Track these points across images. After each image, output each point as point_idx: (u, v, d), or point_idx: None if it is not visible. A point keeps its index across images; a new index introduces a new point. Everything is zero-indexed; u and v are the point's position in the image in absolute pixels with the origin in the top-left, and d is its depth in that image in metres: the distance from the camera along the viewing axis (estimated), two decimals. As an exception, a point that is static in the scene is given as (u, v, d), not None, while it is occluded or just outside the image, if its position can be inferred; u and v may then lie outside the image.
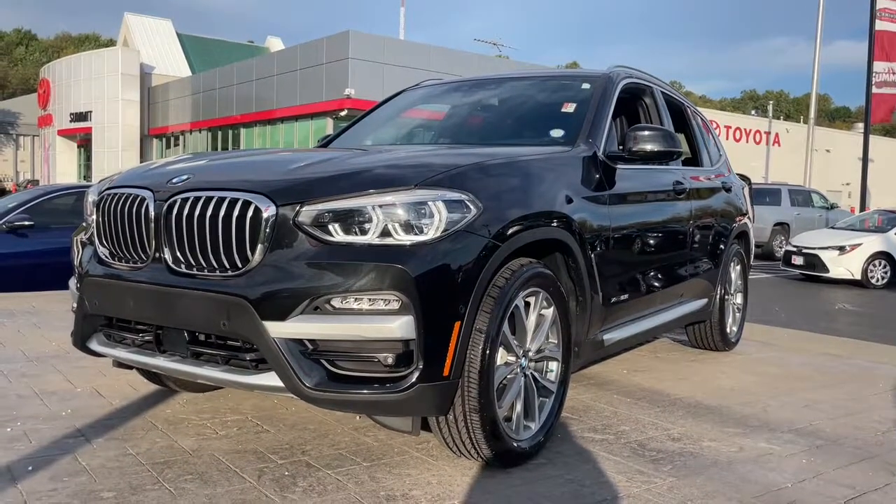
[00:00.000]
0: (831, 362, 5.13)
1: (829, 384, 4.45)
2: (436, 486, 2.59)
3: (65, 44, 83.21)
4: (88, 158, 41.06)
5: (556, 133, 3.74)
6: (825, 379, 4.60)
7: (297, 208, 2.47)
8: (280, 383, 2.43)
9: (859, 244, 12.91)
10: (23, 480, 2.52)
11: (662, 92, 4.60)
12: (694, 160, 5.04)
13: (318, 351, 2.42)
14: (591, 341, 3.34)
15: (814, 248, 13.23)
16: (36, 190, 8.68)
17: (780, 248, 17.17)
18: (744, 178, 5.87)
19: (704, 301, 4.80)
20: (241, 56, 41.06)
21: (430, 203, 2.49)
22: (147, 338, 2.76)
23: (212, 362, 2.61)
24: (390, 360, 2.41)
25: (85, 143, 41.84)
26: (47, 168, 44.78)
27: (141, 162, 39.29)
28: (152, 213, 2.66)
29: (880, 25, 19.41)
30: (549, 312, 2.95)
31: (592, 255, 3.22)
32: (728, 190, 5.15)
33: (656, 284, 4.00)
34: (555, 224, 2.99)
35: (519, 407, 2.83)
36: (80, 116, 40.13)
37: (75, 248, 3.36)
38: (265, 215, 2.45)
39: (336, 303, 2.40)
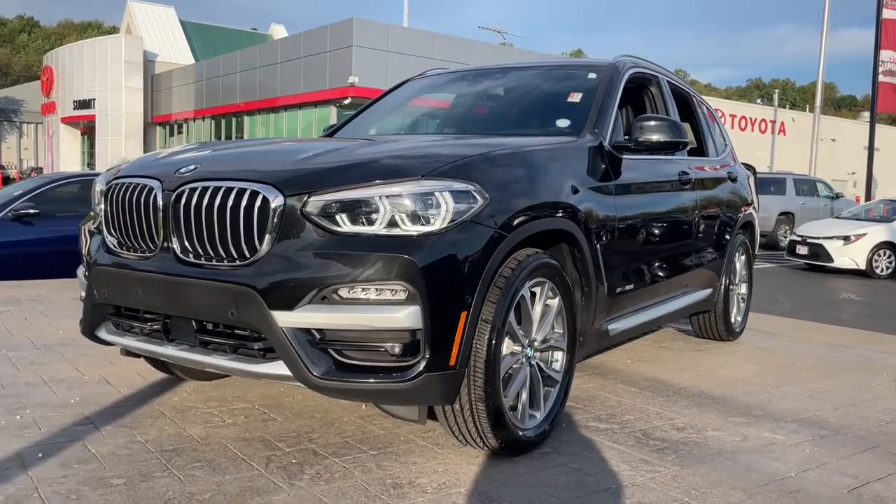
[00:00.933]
0: (835, 352, 5.14)
1: (833, 374, 4.47)
2: (442, 475, 2.61)
3: (67, 31, 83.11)
4: (92, 146, 41.03)
5: (563, 123, 3.73)
6: (829, 369, 4.61)
7: (305, 198, 2.47)
8: (288, 372, 2.45)
9: (864, 234, 12.88)
10: (33, 467, 2.55)
11: (668, 81, 4.59)
12: (699, 150, 5.04)
13: (326, 340, 2.44)
14: (596, 331, 3.35)
15: (818, 238, 13.21)
16: (41, 178, 8.69)
17: (785, 237, 17.14)
18: (748, 167, 5.86)
19: (709, 291, 4.81)
20: (244, 43, 40.96)
21: (437, 194, 2.50)
22: (155, 327, 2.78)
23: (220, 351, 2.63)
24: (397, 350, 2.42)
25: (88, 130, 41.83)
26: (51, 156, 44.81)
27: (145, 150, 39.31)
28: (160, 203, 2.67)
29: (887, 14, 19.29)
30: (555, 302, 2.96)
31: (598, 246, 3.22)
32: (733, 180, 5.14)
33: (661, 274, 4.00)
34: (560, 214, 2.99)
35: (524, 396, 2.84)
36: (84, 104, 40.07)
37: (83, 237, 3.38)
38: (273, 205, 2.46)
39: (343, 293, 2.41)
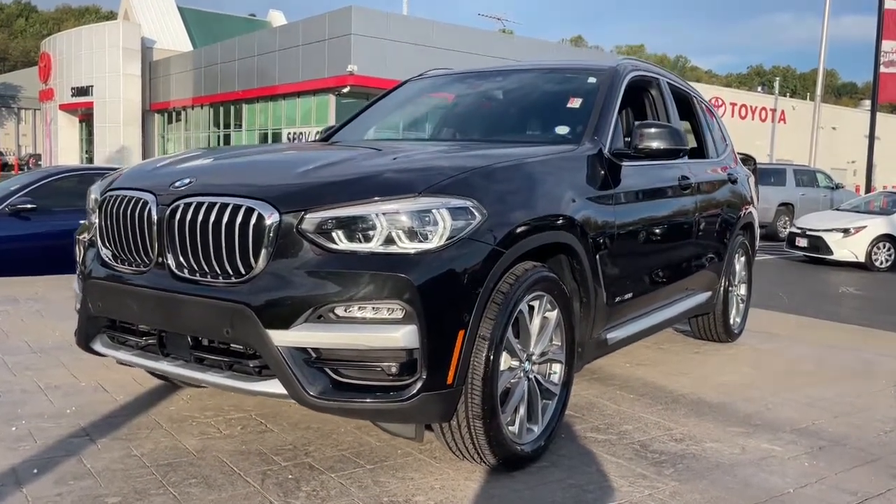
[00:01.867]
0: (834, 355, 5.13)
1: (831, 379, 4.45)
2: (438, 492, 2.59)
3: (65, 16, 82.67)
4: (90, 133, 40.86)
5: (562, 130, 3.70)
6: (827, 373, 4.60)
7: (301, 215, 2.44)
8: (284, 391, 2.43)
9: (864, 226, 12.85)
10: (28, 484, 2.54)
11: (669, 82, 4.55)
12: (700, 151, 5.00)
13: (322, 359, 2.42)
14: (594, 341, 3.33)
15: (818, 230, 13.18)
16: (39, 172, 8.64)
17: (785, 228, 17.13)
18: (748, 157, 5.82)
19: (708, 294, 4.79)
20: (242, 30, 40.75)
21: (434, 211, 2.47)
22: (150, 341, 2.76)
23: (215, 368, 2.61)
24: (394, 369, 2.40)
25: (87, 117, 41.65)
26: (49, 142, 44.64)
27: (143, 138, 39.14)
28: (155, 218, 2.64)
29: (890, 4, 19.13)
30: (553, 315, 2.94)
31: (597, 256, 3.19)
32: (734, 182, 5.11)
33: (661, 281, 3.98)
34: (559, 227, 2.96)
35: (522, 410, 2.82)
36: (82, 91, 39.85)
37: (78, 248, 3.35)
38: (268, 223, 2.44)
39: (340, 311, 2.39)
